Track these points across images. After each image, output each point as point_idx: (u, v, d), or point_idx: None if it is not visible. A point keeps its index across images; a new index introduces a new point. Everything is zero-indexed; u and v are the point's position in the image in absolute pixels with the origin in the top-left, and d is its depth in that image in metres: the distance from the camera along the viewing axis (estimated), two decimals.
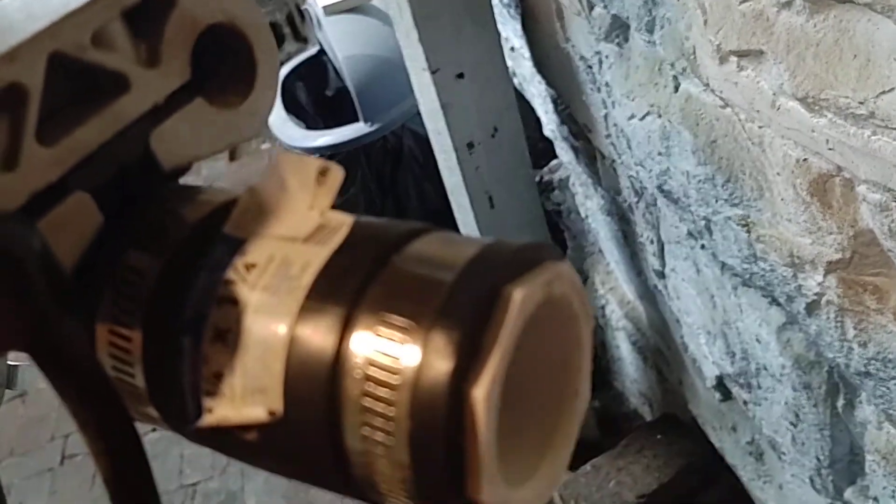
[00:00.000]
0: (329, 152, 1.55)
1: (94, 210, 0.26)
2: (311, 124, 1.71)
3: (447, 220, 1.38)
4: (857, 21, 0.55)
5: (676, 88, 0.80)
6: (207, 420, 0.24)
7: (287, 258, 0.24)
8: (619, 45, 0.90)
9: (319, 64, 1.84)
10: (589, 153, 1.21)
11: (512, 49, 1.30)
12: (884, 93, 0.53)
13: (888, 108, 0.53)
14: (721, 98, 0.73)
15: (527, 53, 1.21)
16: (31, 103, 0.24)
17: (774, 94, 0.65)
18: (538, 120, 1.37)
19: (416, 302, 0.22)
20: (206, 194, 0.27)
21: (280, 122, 1.65)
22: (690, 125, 0.79)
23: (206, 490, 1.79)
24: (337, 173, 0.26)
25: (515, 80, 1.33)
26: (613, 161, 1.09)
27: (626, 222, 1.19)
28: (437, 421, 0.21)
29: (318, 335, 0.23)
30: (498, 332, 0.22)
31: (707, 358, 1.10)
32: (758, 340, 0.92)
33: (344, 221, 0.25)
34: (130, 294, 0.25)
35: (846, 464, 0.88)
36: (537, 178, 1.44)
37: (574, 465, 1.45)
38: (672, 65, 0.80)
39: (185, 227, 0.26)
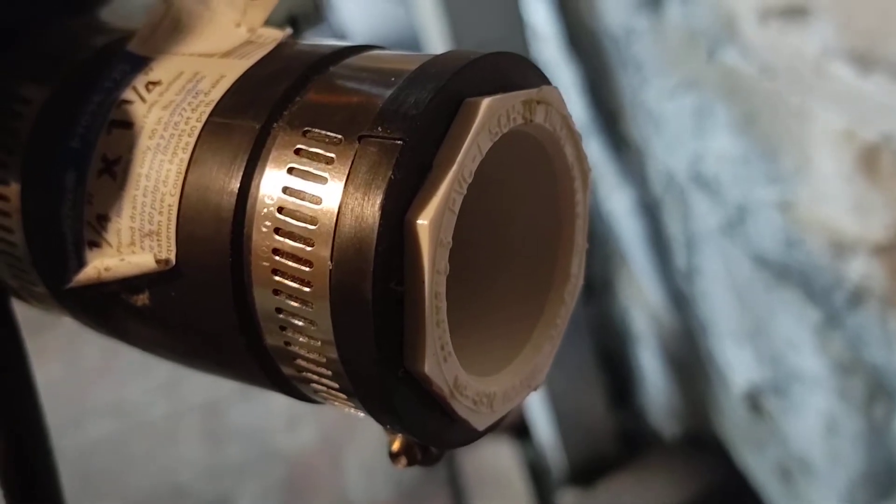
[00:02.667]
0: None
1: None
2: None
3: None
4: None
5: (712, 60, 0.75)
6: (86, 273, 0.19)
7: (198, 73, 0.19)
8: (650, 17, 0.85)
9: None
10: (615, 144, 1.16)
11: (534, 34, 1.25)
12: None
13: None
14: (760, 66, 0.67)
15: (552, 39, 1.16)
16: None
17: (819, 57, 0.59)
18: None
19: (349, 112, 0.17)
20: (123, 21, 0.22)
21: None
22: (726, 97, 0.73)
23: (198, 491, 1.73)
24: None
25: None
26: (641, 151, 1.03)
27: (651, 220, 1.13)
28: (365, 262, 0.15)
29: (223, 157, 0.17)
30: (454, 148, 0.16)
31: (734, 367, 1.03)
32: (791, 344, 0.85)
33: (276, 37, 0.19)
34: (9, 132, 0.20)
35: (881, 479, 0.81)
36: None
37: (592, 481, 1.38)
38: (708, 34, 0.74)
39: (88, 52, 0.21)
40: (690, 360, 1.24)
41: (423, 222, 0.16)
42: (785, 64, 0.64)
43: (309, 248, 0.16)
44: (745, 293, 0.91)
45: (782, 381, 0.91)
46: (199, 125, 0.18)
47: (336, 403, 0.19)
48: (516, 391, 0.19)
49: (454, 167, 0.16)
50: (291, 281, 0.16)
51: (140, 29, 0.20)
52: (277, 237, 0.17)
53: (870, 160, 0.59)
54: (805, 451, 0.93)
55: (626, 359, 1.49)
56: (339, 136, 0.16)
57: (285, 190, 0.17)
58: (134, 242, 0.18)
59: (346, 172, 0.16)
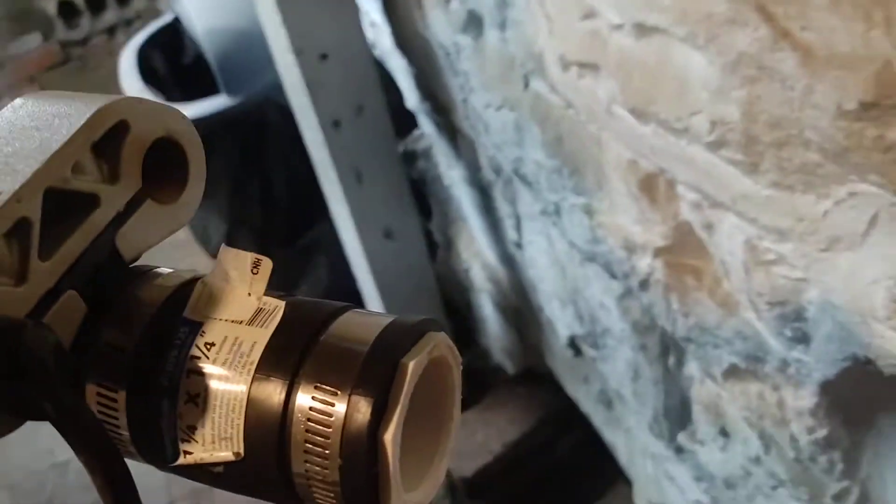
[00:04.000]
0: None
1: (80, 303, 0.32)
2: (169, 95, 1.69)
3: (315, 192, 1.42)
4: (674, 48, 0.63)
5: (526, 86, 0.88)
6: (186, 460, 0.32)
7: (237, 338, 0.31)
8: (474, 38, 0.96)
9: (175, 32, 1.81)
10: (450, 129, 1.28)
11: (372, 24, 1.34)
12: (695, 113, 0.62)
13: (698, 126, 0.62)
14: (565, 100, 0.81)
15: (388, 30, 1.26)
16: (34, 231, 0.29)
17: (609, 101, 0.73)
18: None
19: (339, 373, 0.30)
20: (160, 279, 0.34)
21: (137, 93, 1.62)
22: (539, 121, 0.86)
23: (79, 467, 1.77)
24: (267, 264, 0.33)
25: (377, 52, 1.37)
26: (472, 140, 1.16)
27: (486, 195, 1.27)
28: (360, 456, 0.29)
29: (269, 397, 0.31)
30: (399, 392, 0.30)
31: (560, 320, 1.20)
32: (602, 307, 1.02)
33: (278, 305, 0.32)
34: (113, 366, 0.32)
35: (678, 413, 1.01)
36: (401, 149, 1.49)
37: None
38: (522, 64, 0.87)
39: (151, 308, 0.33)
40: (524, 309, 1.41)
41: (388, 438, 0.29)
42: (583, 102, 0.78)
43: (327, 451, 0.29)
44: (564, 265, 1.07)
45: (598, 335, 1.09)
46: (249, 378, 0.30)
47: None
48: (432, 493, 0.33)
49: (399, 405, 0.30)
50: (316, 465, 0.30)
51: (190, 301, 0.32)
52: (307, 444, 0.30)
53: (650, 185, 0.74)
54: (619, 388, 1.12)
55: (470, 306, 1.65)
56: (337, 391, 0.29)
57: (309, 418, 0.30)
58: (214, 442, 0.31)
59: (345, 410, 0.29)
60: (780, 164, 0.57)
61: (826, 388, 0.67)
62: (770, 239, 0.63)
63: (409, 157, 1.53)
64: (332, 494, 0.30)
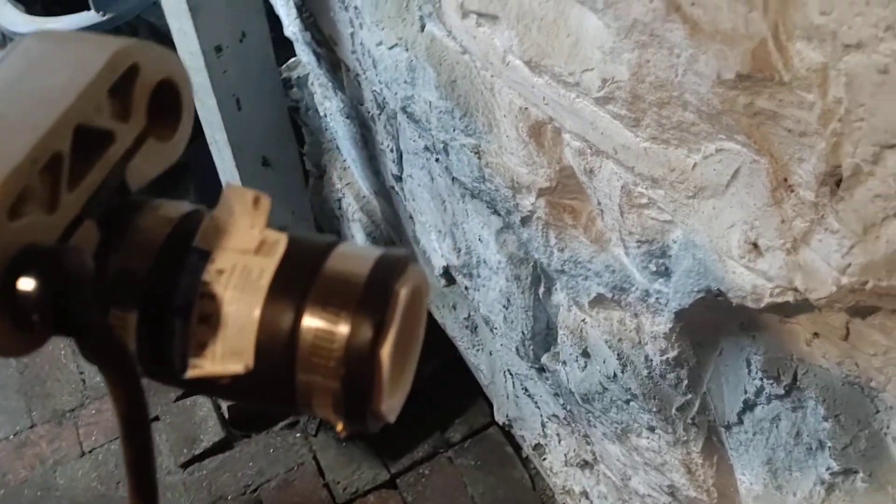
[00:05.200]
0: None
1: (96, 231, 0.35)
2: (32, 9, 1.60)
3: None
4: (572, 8, 0.69)
5: (423, 28, 0.92)
6: (196, 373, 0.35)
7: (246, 266, 0.35)
8: None
9: None
10: (332, 61, 1.30)
11: None
12: (587, 70, 0.69)
13: (589, 82, 0.69)
14: (461, 46, 0.86)
15: None
16: (65, 164, 0.32)
17: (505, 52, 0.79)
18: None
19: (343, 298, 0.35)
20: (162, 209, 0.37)
21: None
22: (434, 63, 0.91)
23: None
24: (266, 200, 0.36)
25: None
26: (358, 75, 1.19)
27: (366, 128, 1.30)
28: (362, 367, 0.34)
29: (279, 318, 0.34)
30: (393, 315, 0.35)
31: (436, 251, 1.27)
32: (480, 240, 1.10)
33: (279, 237, 0.35)
34: (126, 289, 0.35)
35: (543, 337, 1.11)
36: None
37: None
38: (420, 6, 0.91)
39: (159, 237, 0.36)
40: (398, 241, 1.47)
41: (385, 354, 0.34)
42: (480, 50, 0.83)
43: (331, 364, 0.34)
44: (445, 199, 1.14)
45: (473, 265, 1.17)
46: (261, 301, 0.34)
47: (327, 419, 0.36)
48: (403, 399, 0.38)
49: (395, 325, 0.34)
50: (320, 375, 0.34)
51: (199, 232, 0.35)
52: (313, 357, 0.34)
53: (538, 132, 0.81)
54: (489, 315, 1.21)
55: (341, 236, 1.69)
56: (341, 313, 0.34)
57: (316, 335, 0.34)
58: (225, 357, 0.34)
59: (349, 330, 0.33)
60: (660, 121, 0.65)
61: (680, 315, 0.78)
62: (644, 185, 0.71)
63: (284, 85, 1.54)
64: (329, 400, 0.35)
